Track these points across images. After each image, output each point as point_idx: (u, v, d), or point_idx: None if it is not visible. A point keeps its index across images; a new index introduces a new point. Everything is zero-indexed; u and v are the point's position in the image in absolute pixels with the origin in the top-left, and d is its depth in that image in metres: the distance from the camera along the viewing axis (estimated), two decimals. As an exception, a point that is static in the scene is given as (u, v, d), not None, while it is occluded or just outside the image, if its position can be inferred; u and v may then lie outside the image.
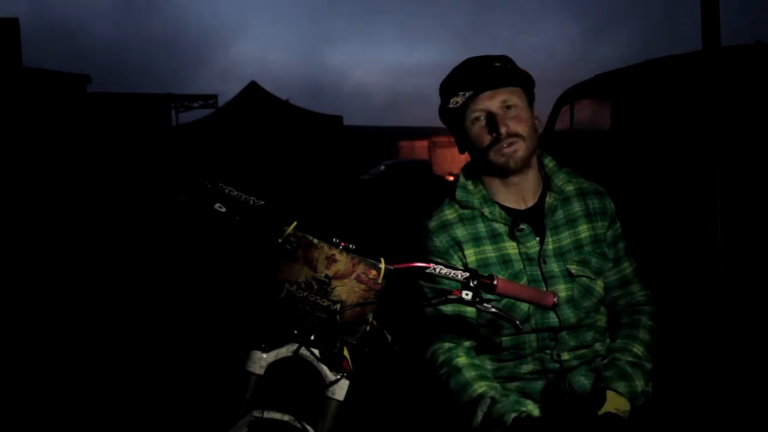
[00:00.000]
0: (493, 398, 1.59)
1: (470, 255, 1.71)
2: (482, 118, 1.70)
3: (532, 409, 1.57)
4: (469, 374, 1.66)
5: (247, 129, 30.54)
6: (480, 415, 1.58)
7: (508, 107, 1.70)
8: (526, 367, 1.71)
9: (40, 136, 21.69)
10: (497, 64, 1.71)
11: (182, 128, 31.55)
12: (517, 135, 1.69)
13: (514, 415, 1.53)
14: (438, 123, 1.85)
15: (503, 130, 1.68)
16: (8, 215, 13.80)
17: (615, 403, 1.60)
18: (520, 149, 1.70)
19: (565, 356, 1.71)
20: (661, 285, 1.90)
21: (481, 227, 1.74)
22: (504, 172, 1.73)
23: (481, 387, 1.63)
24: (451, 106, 1.72)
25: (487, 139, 1.70)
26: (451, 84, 1.74)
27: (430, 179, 24.17)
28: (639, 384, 1.66)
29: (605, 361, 1.72)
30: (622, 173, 5.63)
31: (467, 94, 1.69)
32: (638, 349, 1.71)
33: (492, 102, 1.69)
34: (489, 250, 1.72)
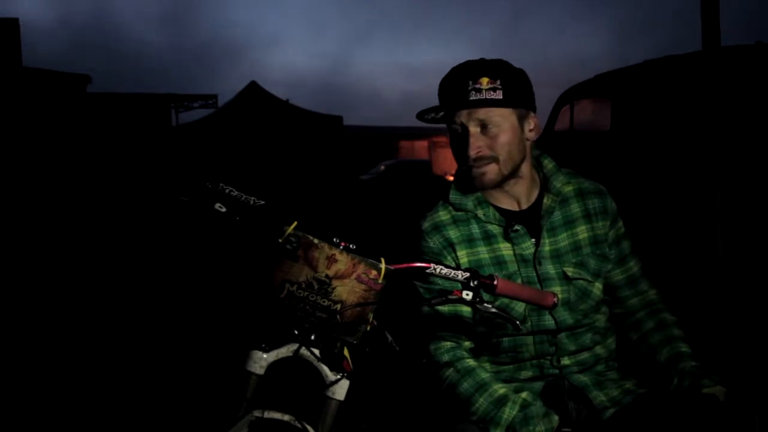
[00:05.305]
0: (525, 399, 1.58)
1: (463, 256, 1.70)
2: (460, 131, 1.65)
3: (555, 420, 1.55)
4: (486, 374, 1.66)
5: (247, 129, 30.54)
6: (507, 414, 1.57)
7: (485, 126, 1.63)
8: (525, 373, 1.71)
9: (40, 137, 21.69)
10: (485, 79, 1.59)
11: (182, 128, 31.55)
12: (488, 157, 1.64)
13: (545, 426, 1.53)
14: (438, 123, 1.83)
15: (472, 153, 1.63)
16: (8, 215, 13.80)
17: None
18: (490, 172, 1.65)
19: (565, 361, 1.70)
20: (662, 284, 1.90)
21: (475, 229, 1.72)
22: None
23: (501, 388, 1.62)
24: (427, 117, 1.67)
25: (459, 155, 1.68)
26: (440, 91, 1.68)
27: (430, 179, 24.16)
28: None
29: (673, 375, 1.69)
30: (622, 173, 5.63)
31: (441, 113, 1.65)
32: (686, 347, 1.72)
33: (468, 119, 1.63)
34: (482, 252, 1.70)
